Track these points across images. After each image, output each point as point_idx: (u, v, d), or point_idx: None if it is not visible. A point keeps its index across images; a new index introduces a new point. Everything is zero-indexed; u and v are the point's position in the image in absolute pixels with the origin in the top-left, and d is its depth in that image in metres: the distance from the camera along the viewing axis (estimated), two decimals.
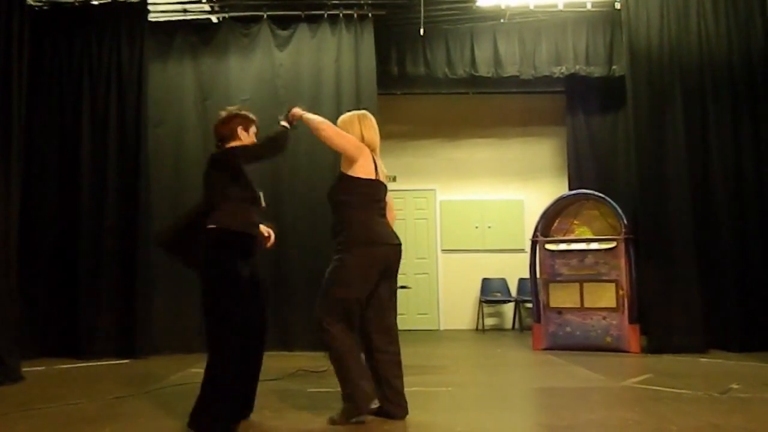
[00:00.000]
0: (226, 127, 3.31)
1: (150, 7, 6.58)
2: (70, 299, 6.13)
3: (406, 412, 3.29)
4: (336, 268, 3.20)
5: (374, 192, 3.28)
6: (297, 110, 3.33)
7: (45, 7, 6.49)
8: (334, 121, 3.40)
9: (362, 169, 3.23)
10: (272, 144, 3.25)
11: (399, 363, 3.31)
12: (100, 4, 6.54)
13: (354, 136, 3.29)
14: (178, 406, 3.51)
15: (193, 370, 4.52)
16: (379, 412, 3.24)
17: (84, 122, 6.37)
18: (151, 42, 6.56)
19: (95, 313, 6.06)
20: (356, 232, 3.21)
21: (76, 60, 6.48)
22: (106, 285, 6.12)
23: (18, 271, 5.00)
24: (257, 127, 3.40)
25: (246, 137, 3.30)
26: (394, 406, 3.26)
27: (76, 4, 6.54)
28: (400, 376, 3.30)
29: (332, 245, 3.31)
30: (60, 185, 6.34)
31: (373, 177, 3.26)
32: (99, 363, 5.68)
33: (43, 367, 5.37)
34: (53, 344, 6.04)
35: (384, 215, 3.36)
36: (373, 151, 3.32)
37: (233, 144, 3.27)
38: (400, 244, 3.34)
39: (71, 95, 6.45)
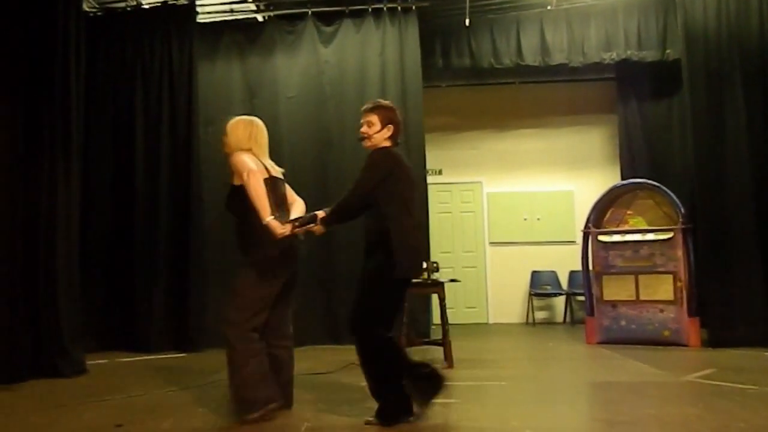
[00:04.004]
0: None
1: (198, 9, 6.72)
2: (128, 296, 6.34)
3: None
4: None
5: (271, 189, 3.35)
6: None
7: (99, 13, 6.72)
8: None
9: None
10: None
11: None
12: (151, 8, 6.73)
13: (243, 139, 3.47)
14: None
15: None
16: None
17: (138, 123, 6.56)
18: (199, 43, 6.70)
19: (152, 309, 6.25)
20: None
21: (129, 62, 6.68)
22: (163, 282, 6.30)
23: (79, 269, 5.20)
24: None
25: None
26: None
27: (128, 9, 6.74)
28: None
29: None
30: (116, 184, 6.55)
31: (267, 175, 3.37)
32: (157, 356, 5.88)
33: (106, 360, 5.59)
34: (114, 339, 6.26)
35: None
36: (263, 155, 3.47)
37: None
38: None
39: (125, 98, 6.64)
